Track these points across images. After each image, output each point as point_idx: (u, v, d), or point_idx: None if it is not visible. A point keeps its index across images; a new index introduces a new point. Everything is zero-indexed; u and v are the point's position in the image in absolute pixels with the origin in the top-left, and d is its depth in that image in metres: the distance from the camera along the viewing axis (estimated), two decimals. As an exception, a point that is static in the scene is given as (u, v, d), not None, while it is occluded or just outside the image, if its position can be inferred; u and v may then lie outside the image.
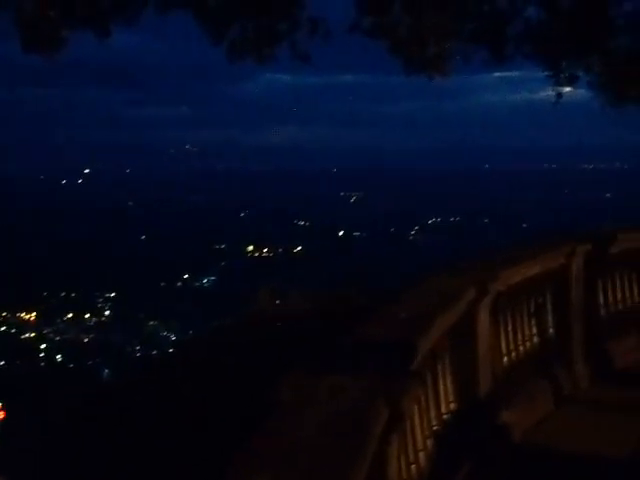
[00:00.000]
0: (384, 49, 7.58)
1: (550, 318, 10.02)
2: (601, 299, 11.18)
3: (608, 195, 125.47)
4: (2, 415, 54.53)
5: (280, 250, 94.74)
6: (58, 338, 68.70)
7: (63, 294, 76.26)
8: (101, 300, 75.81)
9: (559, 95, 8.66)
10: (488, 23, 8.13)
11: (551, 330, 10.02)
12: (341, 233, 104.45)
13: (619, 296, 11.51)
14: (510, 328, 9.13)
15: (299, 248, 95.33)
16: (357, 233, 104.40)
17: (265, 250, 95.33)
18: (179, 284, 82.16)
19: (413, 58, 7.69)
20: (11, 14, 6.34)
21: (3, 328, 70.22)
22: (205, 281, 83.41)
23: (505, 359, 8.97)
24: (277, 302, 12.11)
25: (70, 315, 72.45)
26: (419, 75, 7.91)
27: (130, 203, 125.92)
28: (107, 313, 74.57)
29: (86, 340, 68.55)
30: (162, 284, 78.99)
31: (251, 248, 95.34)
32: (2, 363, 62.36)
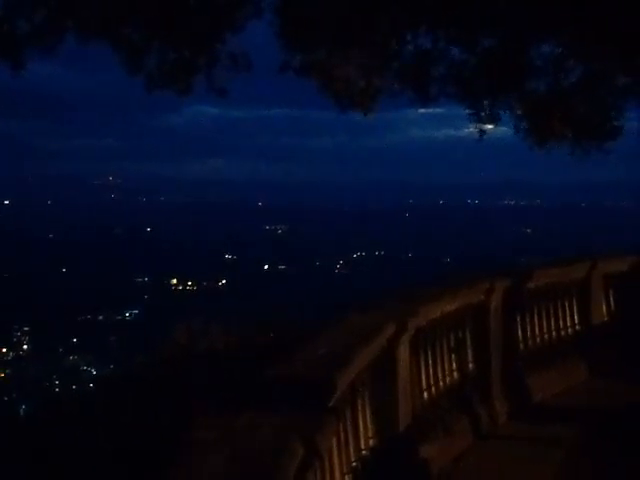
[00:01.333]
0: (313, 85, 7.64)
1: (470, 353, 10.11)
2: (520, 334, 11.34)
3: (528, 231, 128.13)
4: None
5: (204, 284, 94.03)
6: (-28, 373, 66.87)
7: (-21, 328, 74.31)
8: (19, 334, 74.06)
9: (482, 132, 8.81)
10: (412, 63, 8.24)
11: (471, 365, 10.10)
12: (266, 267, 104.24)
13: (537, 331, 11.69)
14: (430, 363, 9.18)
15: (223, 281, 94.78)
16: (282, 267, 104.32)
17: (189, 283, 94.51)
18: (100, 317, 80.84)
19: (340, 95, 7.76)
20: None
21: None
22: (128, 314, 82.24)
23: (425, 394, 9.01)
24: (196, 337, 11.98)
25: (-14, 349, 70.65)
26: (346, 111, 7.98)
27: (51, 235, 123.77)
28: (25, 347, 72.86)
29: (2, 375, 66.84)
30: (83, 317, 77.62)
31: (174, 281, 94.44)
32: None
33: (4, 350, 71.42)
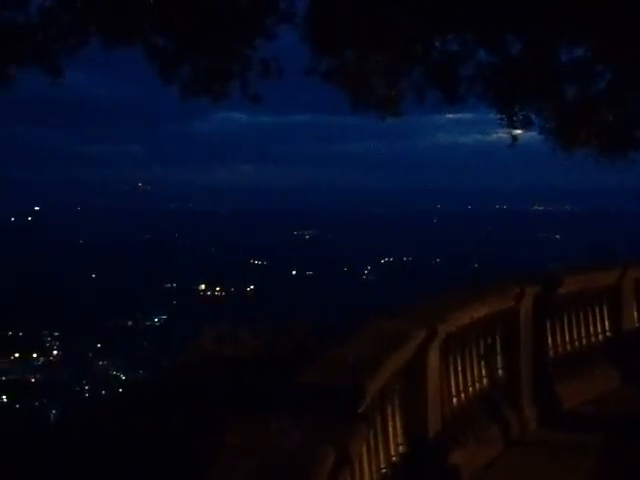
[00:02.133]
0: (339, 90, 7.66)
1: (499, 359, 10.07)
2: (550, 341, 11.28)
3: (557, 236, 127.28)
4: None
5: (232, 289, 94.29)
6: (3, 378, 67.42)
7: (9, 333, 74.94)
8: (49, 339, 74.64)
9: (514, 138, 8.77)
10: (440, 63, 8.24)
11: (500, 371, 10.06)
12: (294, 272, 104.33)
13: (567, 337, 11.62)
14: (459, 369, 9.15)
15: (251, 287, 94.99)
16: (310, 272, 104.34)
17: (217, 289, 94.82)
18: (130, 323, 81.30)
19: (366, 99, 7.77)
20: None
21: (-54, 368, 68.81)
22: (156, 320, 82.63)
23: (454, 400, 8.98)
24: (223, 342, 12.02)
25: (16, 355, 71.20)
26: (373, 116, 7.99)
27: (81, 241, 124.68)
28: (55, 352, 73.42)
29: (33, 380, 67.39)
30: (112, 323, 78.08)
31: (203, 287, 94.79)
32: (-56, 404, 61.04)
33: (34, 355, 72.01)
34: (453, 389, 8.98)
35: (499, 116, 8.73)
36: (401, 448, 7.38)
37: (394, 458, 7.21)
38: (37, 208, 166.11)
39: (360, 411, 5.72)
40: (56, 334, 74.82)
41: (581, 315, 11.94)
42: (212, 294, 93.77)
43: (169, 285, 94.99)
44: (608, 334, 12.36)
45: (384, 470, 6.84)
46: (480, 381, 9.61)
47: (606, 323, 12.37)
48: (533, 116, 9.01)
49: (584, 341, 11.92)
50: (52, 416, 51.55)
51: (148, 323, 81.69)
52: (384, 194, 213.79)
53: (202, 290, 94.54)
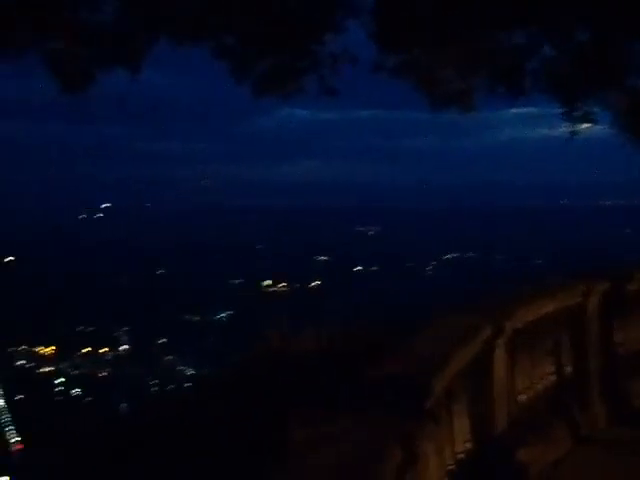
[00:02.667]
0: (405, 86, 7.60)
1: (567, 356, 9.91)
2: (619, 337, 11.06)
3: (628, 231, 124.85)
4: (19, 448, 54.48)
5: (297, 285, 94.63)
6: (75, 372, 68.72)
7: (80, 328, 76.37)
8: (118, 334, 75.86)
9: (573, 133, 8.63)
10: (506, 58, 8.14)
11: (568, 369, 9.90)
12: (358, 268, 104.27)
13: (637, 334, 11.38)
14: (526, 366, 9.03)
15: (316, 283, 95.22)
16: (374, 268, 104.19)
17: (281, 285, 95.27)
18: (196, 318, 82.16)
19: (435, 95, 7.71)
20: (40, 51, 6.41)
21: (21, 362, 70.33)
22: (222, 315, 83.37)
23: (521, 398, 8.87)
24: (289, 338, 12.04)
25: (87, 349, 72.53)
26: (443, 111, 7.92)
27: (148, 237, 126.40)
28: (124, 347, 74.58)
29: (102, 374, 68.56)
30: (179, 318, 79.00)
31: (267, 283, 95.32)
32: (19, 397, 62.40)
33: (105, 350, 73.27)
34: (520, 386, 8.87)
35: (562, 110, 8.59)
36: (468, 445, 7.30)
37: (461, 455, 7.13)
38: (106, 205, 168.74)
39: (427, 408, 5.66)
40: (125, 329, 75.96)
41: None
42: (277, 290, 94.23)
43: (235, 281, 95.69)
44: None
45: (451, 467, 6.77)
46: (547, 378, 9.47)
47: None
48: (599, 110, 8.84)
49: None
50: (121, 409, 52.50)
51: (214, 319, 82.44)
52: (448, 190, 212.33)
53: (267, 286, 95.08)
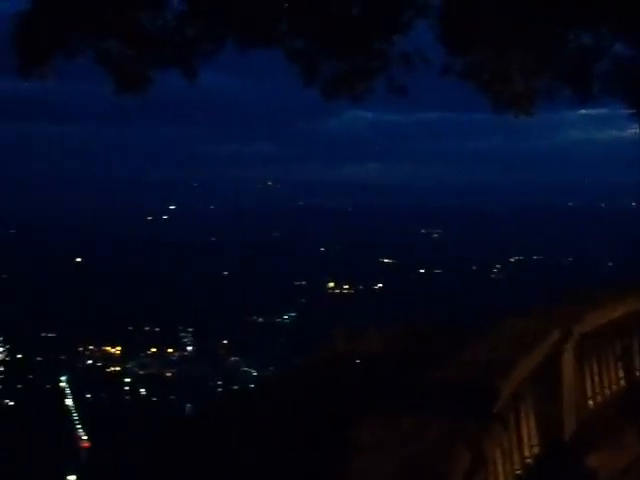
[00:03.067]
0: (471, 87, 7.57)
1: (637, 361, 9.75)
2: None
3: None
4: (86, 446, 55.46)
5: (360, 287, 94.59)
6: (142, 372, 69.72)
7: (147, 328, 77.43)
8: (184, 335, 76.72)
9: None
10: (574, 61, 8.04)
11: (638, 373, 9.75)
12: (422, 271, 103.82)
13: None
14: (595, 370, 8.92)
15: (380, 285, 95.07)
16: (438, 270, 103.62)
17: (346, 287, 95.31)
18: (260, 319, 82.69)
19: (500, 96, 7.66)
20: (96, 53, 6.54)
21: (90, 361, 71.61)
22: (286, 317, 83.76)
23: (590, 402, 8.76)
24: (354, 340, 12.06)
25: (153, 350, 73.52)
26: (506, 113, 7.86)
27: (213, 239, 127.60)
28: (189, 348, 75.41)
29: (169, 375, 69.42)
30: (244, 319, 79.58)
31: (331, 285, 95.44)
32: (88, 395, 63.56)
33: (170, 350, 74.19)
34: (589, 390, 8.76)
35: (630, 111, 8.44)
36: (535, 450, 7.25)
37: (528, 460, 7.08)
38: (173, 207, 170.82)
39: (494, 412, 5.65)
40: (190, 330, 76.80)
41: None
42: (340, 292, 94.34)
43: (298, 283, 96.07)
44: None
45: (518, 472, 6.73)
46: (617, 383, 9.34)
47: None
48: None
49: None
50: (187, 410, 53.14)
51: (278, 320, 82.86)
52: (514, 191, 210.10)
53: (331, 288, 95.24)
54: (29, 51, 6.35)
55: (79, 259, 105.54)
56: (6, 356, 72.04)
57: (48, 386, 64.92)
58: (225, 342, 74.25)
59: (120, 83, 6.53)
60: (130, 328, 76.53)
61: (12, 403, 61.61)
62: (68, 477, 47.47)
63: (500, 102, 7.52)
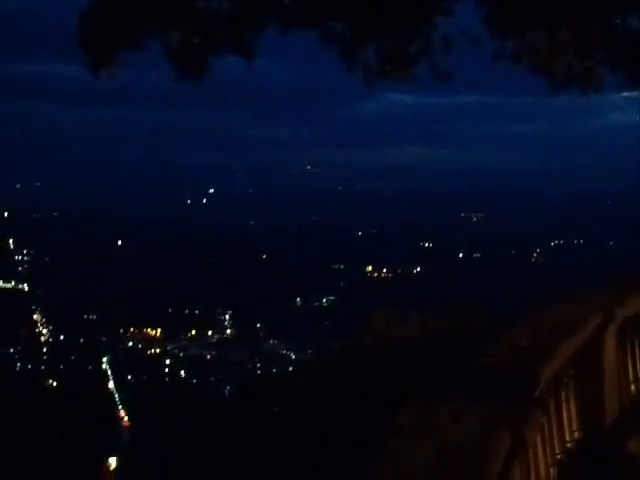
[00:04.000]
0: (511, 70, 7.48)
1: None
2: None
3: None
4: (127, 427, 56.16)
5: (399, 271, 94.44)
6: (182, 354, 70.35)
7: (186, 311, 78.03)
8: (223, 318, 77.23)
9: None
10: (624, 44, 7.92)
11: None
12: (461, 255, 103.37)
13: None
14: (638, 355, 8.82)
15: (418, 269, 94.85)
16: (477, 255, 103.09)
17: (384, 271, 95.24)
18: (298, 303, 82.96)
19: (552, 78, 7.55)
20: (158, 43, 6.58)
21: (131, 343, 72.39)
22: (324, 300, 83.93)
23: (632, 387, 8.67)
24: (393, 324, 12.05)
25: (193, 332, 74.10)
26: (557, 95, 7.75)
27: (252, 222, 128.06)
28: (229, 331, 75.91)
29: (208, 357, 69.96)
30: (283, 303, 79.87)
31: (370, 268, 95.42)
32: (129, 377, 64.30)
33: (209, 333, 74.74)
34: (631, 375, 8.66)
35: None
36: (576, 434, 7.20)
37: (569, 444, 7.04)
38: (212, 190, 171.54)
39: (535, 396, 5.61)
40: (229, 312, 77.26)
41: None
42: (379, 276, 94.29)
43: (337, 267, 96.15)
44: None
45: (559, 456, 6.69)
46: (660, 368, 9.22)
47: None
48: None
49: None
50: (226, 392, 53.56)
51: (317, 304, 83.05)
52: (553, 175, 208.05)
53: (369, 272, 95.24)
54: (97, 50, 6.40)
55: (120, 242, 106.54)
56: (49, 337, 73.11)
57: (90, 367, 65.77)
58: (264, 325, 74.62)
59: (182, 70, 6.58)
60: (170, 310, 77.20)
61: (55, 384, 62.51)
62: (109, 458, 48.12)
63: (557, 83, 7.41)
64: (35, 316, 76.44)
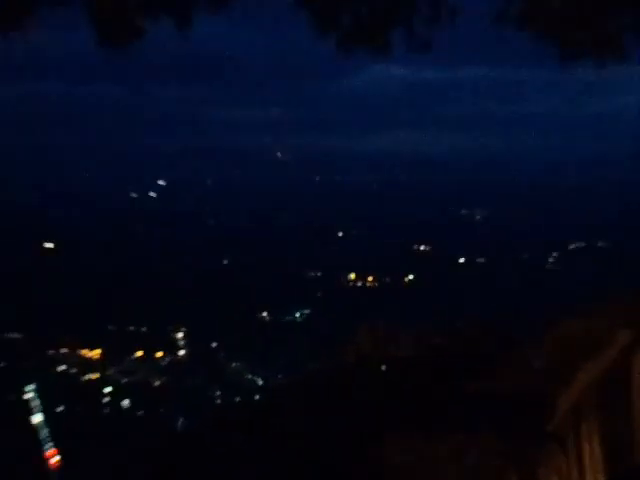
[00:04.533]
0: (522, 38, 7.52)
1: None
2: None
3: None
4: (57, 466, 55.88)
5: (387, 279, 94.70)
6: (125, 380, 70.13)
7: (131, 328, 77.76)
8: (175, 336, 77.02)
9: None
10: None
11: None
12: (462, 260, 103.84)
13: None
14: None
15: (411, 277, 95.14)
16: (481, 260, 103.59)
17: (369, 279, 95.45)
18: (266, 318, 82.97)
19: (567, 47, 7.60)
20: (82, 4, 6.54)
21: (62, 367, 71.99)
22: (298, 314, 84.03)
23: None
24: (381, 342, 12.06)
25: (139, 353, 73.83)
26: (573, 66, 7.79)
27: (211, 221, 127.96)
28: (182, 352, 75.74)
29: (157, 383, 69.80)
30: (247, 318, 79.80)
31: (352, 276, 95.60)
32: (61, 408, 63.94)
33: (159, 354, 74.47)
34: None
35: None
36: (600, 478, 7.24)
37: (592, 489, 7.08)
38: (161, 182, 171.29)
39: (550, 430, 5.64)
40: (183, 330, 77.07)
41: None
42: (363, 285, 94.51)
43: (313, 274, 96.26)
44: None
45: (579, 503, 6.73)
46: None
47: None
48: None
49: None
50: (179, 425, 53.49)
51: (288, 318, 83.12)
52: (572, 165, 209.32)
53: (352, 280, 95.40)
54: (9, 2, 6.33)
55: (50, 245, 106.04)
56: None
57: (11, 398, 65.29)
58: (225, 344, 74.54)
59: (104, 33, 6.51)
60: (111, 328, 76.90)
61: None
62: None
63: (570, 52, 7.45)
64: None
